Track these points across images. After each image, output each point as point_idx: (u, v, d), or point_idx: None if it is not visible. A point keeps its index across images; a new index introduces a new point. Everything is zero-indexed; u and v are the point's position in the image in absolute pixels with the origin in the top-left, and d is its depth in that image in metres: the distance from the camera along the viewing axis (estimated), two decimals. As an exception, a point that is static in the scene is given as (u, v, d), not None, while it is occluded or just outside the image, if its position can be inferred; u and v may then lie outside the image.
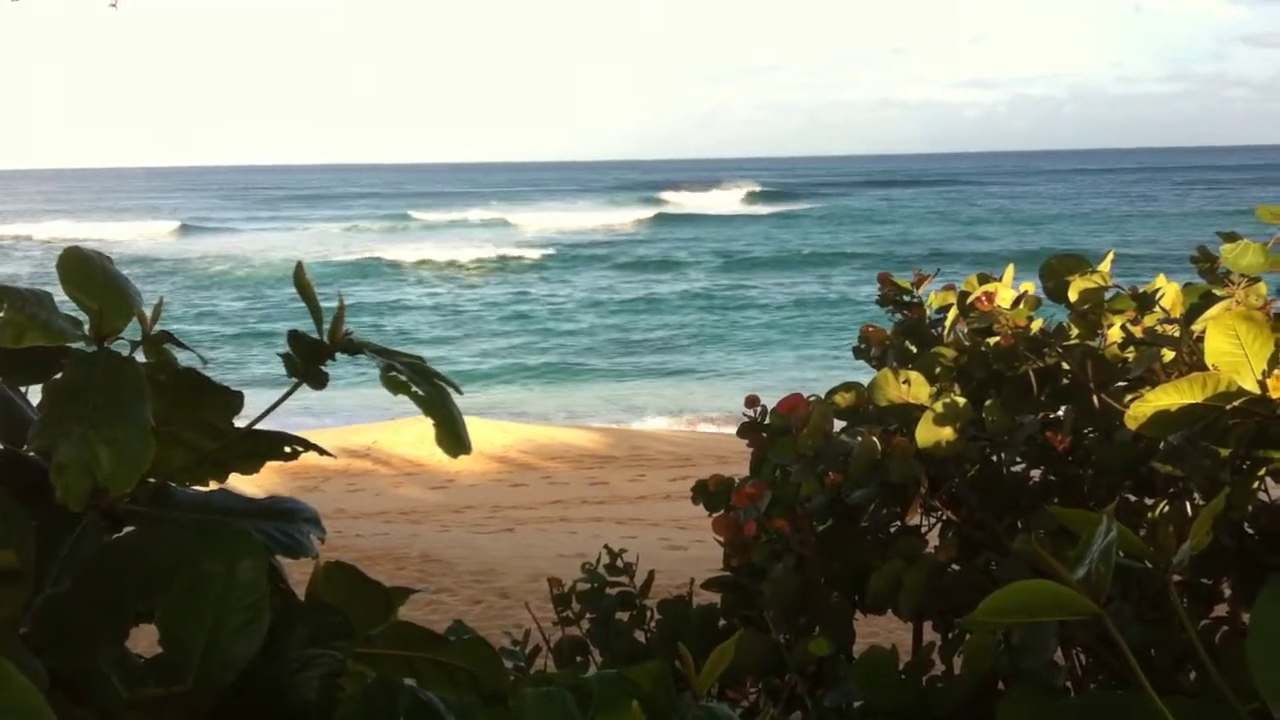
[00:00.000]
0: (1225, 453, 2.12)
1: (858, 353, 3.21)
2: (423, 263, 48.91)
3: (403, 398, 1.12)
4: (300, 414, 19.23)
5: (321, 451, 1.21)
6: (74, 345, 1.06)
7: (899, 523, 2.76)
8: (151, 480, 1.10)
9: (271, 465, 1.20)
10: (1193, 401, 1.94)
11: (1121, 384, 2.74)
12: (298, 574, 1.14)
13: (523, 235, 61.95)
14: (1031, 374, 2.82)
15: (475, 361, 28.55)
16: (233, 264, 48.88)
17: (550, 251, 52.01)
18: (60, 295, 1.10)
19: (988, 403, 2.73)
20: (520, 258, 50.17)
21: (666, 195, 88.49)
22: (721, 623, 2.81)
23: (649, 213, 72.39)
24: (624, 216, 71.59)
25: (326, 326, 1.15)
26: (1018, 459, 2.79)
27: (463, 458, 1.14)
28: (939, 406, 2.61)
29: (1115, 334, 2.78)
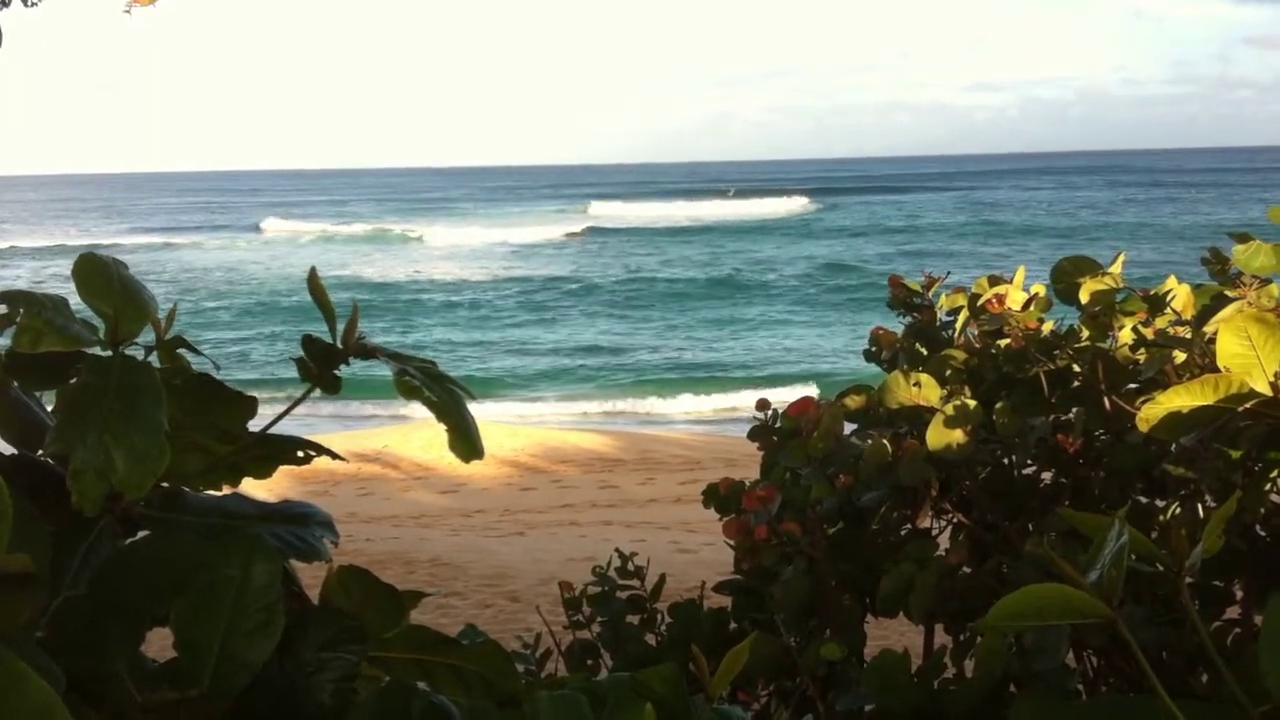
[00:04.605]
0: (1237, 455, 2.12)
1: (868, 355, 3.21)
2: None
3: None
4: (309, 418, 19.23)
5: (334, 456, 1.21)
6: (89, 350, 1.07)
7: (910, 525, 2.76)
8: (165, 485, 1.11)
9: (282, 469, 1.21)
10: (1204, 404, 1.93)
11: (1133, 386, 2.73)
12: (309, 578, 1.14)
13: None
14: (1042, 376, 2.81)
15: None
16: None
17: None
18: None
19: (998, 405, 2.72)
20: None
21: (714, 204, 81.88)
22: (732, 626, 2.81)
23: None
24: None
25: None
26: (1029, 461, 2.78)
27: (473, 462, 1.14)
28: (950, 409, 2.61)
29: (1126, 336, 2.77)
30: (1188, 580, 1.19)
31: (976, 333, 2.98)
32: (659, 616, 2.88)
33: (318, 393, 1.18)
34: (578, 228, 66.00)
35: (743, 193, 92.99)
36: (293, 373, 1.18)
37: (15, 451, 1.12)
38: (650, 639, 2.84)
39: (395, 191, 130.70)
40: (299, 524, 1.14)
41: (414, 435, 17.39)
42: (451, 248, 58.25)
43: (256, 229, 70.27)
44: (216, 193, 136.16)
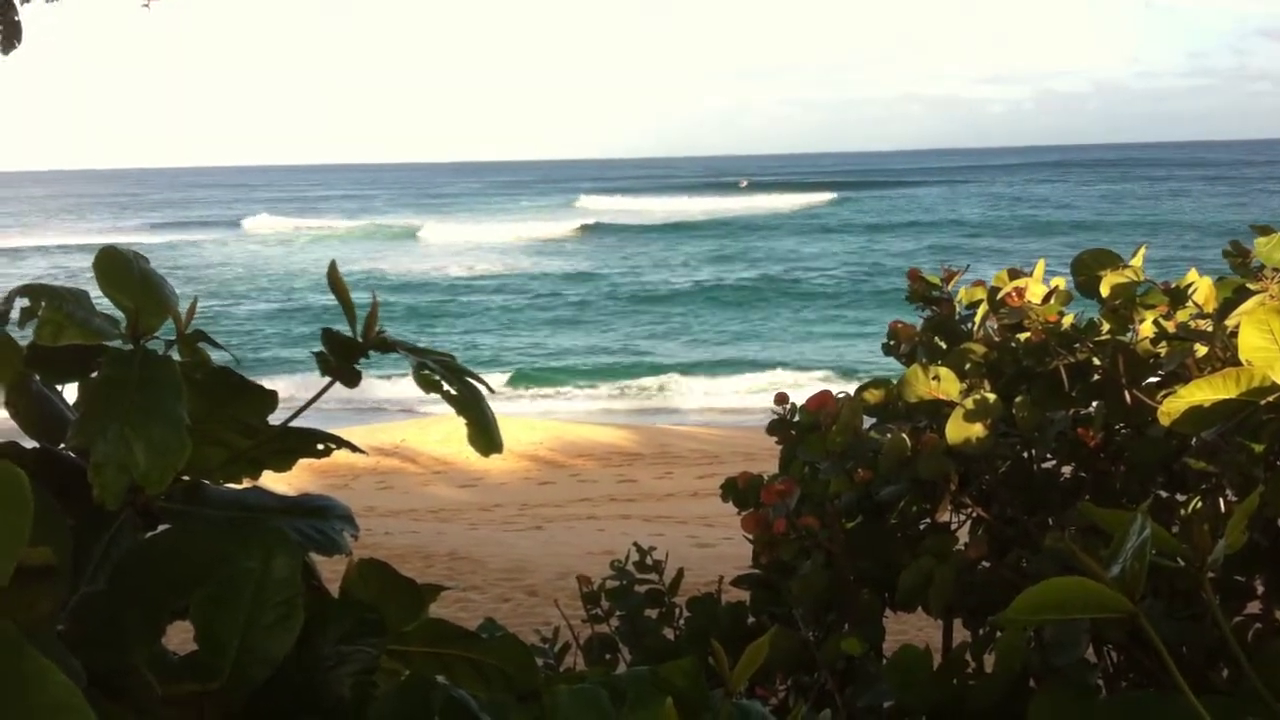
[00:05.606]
0: (1259, 449, 2.10)
1: (887, 349, 3.20)
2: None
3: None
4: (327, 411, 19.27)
5: (354, 448, 1.22)
6: (110, 344, 1.07)
7: (928, 520, 2.75)
8: (186, 478, 1.11)
9: (302, 463, 1.21)
10: (1226, 397, 1.92)
11: (1153, 380, 2.72)
12: (329, 572, 1.15)
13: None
14: (1062, 370, 2.80)
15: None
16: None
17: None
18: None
19: (1018, 399, 2.71)
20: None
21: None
22: (750, 620, 2.81)
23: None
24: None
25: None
26: (1048, 455, 2.77)
27: (491, 455, 1.14)
28: (969, 403, 2.60)
29: (1147, 329, 2.76)
30: (1209, 575, 1.18)
31: (996, 326, 2.97)
32: (677, 611, 2.87)
33: (336, 386, 1.18)
34: (591, 222, 65.60)
35: (756, 186, 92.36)
36: (310, 366, 1.18)
37: (37, 445, 1.12)
38: (668, 633, 2.84)
39: (408, 186, 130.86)
40: (318, 517, 1.14)
41: (432, 429, 17.44)
42: (463, 243, 58.07)
43: (250, 226, 70.08)
44: (222, 188, 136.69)
